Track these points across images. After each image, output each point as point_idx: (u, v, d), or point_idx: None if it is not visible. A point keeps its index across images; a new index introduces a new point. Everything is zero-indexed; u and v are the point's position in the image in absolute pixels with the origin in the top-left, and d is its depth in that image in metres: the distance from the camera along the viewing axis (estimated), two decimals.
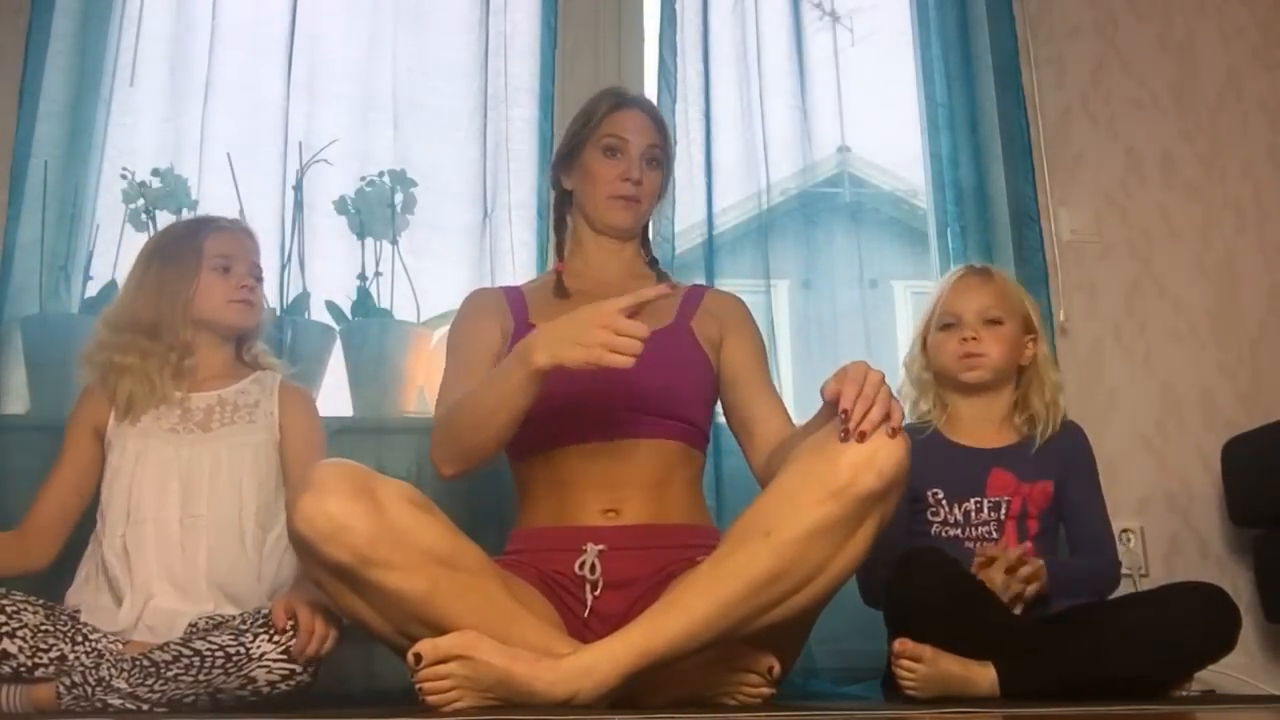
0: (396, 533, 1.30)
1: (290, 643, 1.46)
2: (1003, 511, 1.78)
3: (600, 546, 1.53)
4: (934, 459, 1.80)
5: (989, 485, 1.80)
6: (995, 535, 1.77)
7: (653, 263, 1.86)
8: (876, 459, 1.29)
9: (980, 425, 1.86)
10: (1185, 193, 2.49)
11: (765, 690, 1.40)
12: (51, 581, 1.73)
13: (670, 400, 1.63)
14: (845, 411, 1.30)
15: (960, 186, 2.37)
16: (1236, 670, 1.93)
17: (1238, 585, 2.17)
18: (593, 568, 1.51)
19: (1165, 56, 2.55)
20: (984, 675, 1.56)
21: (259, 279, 1.83)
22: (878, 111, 2.47)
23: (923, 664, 1.53)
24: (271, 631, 1.46)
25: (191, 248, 1.78)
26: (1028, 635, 1.61)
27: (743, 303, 1.83)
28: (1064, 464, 1.82)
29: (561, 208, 1.85)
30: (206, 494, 1.69)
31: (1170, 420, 2.36)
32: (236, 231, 1.84)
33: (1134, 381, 2.37)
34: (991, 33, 2.39)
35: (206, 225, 1.84)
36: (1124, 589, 2.04)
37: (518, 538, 1.64)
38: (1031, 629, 1.63)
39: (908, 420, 1.78)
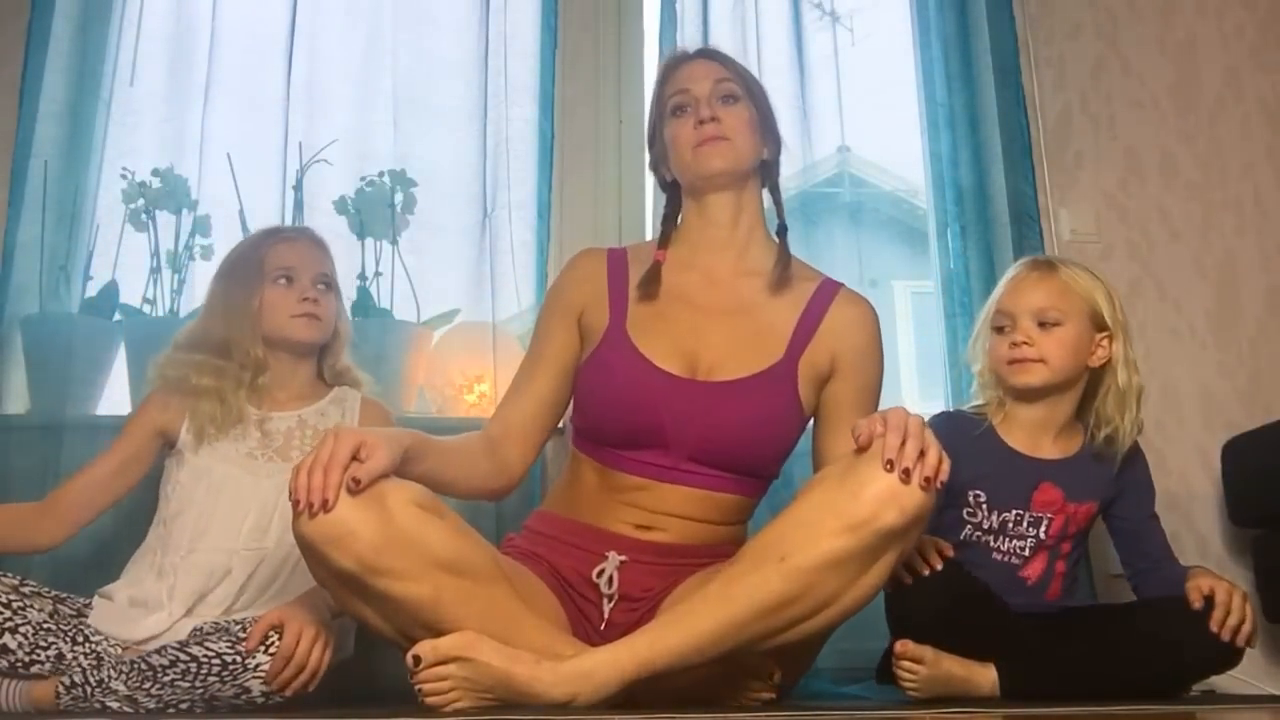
0: (403, 539, 1.27)
1: (265, 660, 1.43)
2: (1042, 530, 1.69)
3: (622, 558, 1.50)
4: (982, 459, 1.69)
5: (1035, 499, 1.70)
6: (1029, 553, 1.69)
7: (782, 230, 1.68)
8: (900, 496, 1.25)
9: (1037, 432, 1.73)
10: (1185, 193, 2.49)
11: (766, 695, 1.41)
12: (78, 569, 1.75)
13: (744, 461, 1.54)
14: (890, 462, 1.25)
15: (960, 186, 2.36)
16: (1236, 670, 1.93)
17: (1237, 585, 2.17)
18: (610, 581, 1.48)
19: (1165, 57, 2.55)
20: (985, 676, 1.56)
21: (328, 286, 1.78)
22: (878, 111, 2.46)
23: (924, 665, 1.53)
24: (269, 643, 1.44)
25: (253, 261, 1.75)
26: (1030, 637, 1.60)
27: (869, 325, 1.64)
28: (1119, 486, 1.74)
29: (674, 203, 1.72)
30: (274, 526, 1.65)
31: (1170, 420, 2.35)
32: (300, 240, 1.80)
33: None
34: (991, 33, 2.38)
35: (269, 237, 1.80)
36: (1124, 591, 2.04)
37: (546, 519, 1.60)
38: (1034, 631, 1.62)
39: (967, 406, 1.78)
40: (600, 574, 1.49)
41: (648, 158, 1.77)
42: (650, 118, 1.72)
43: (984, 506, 1.70)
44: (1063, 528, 1.70)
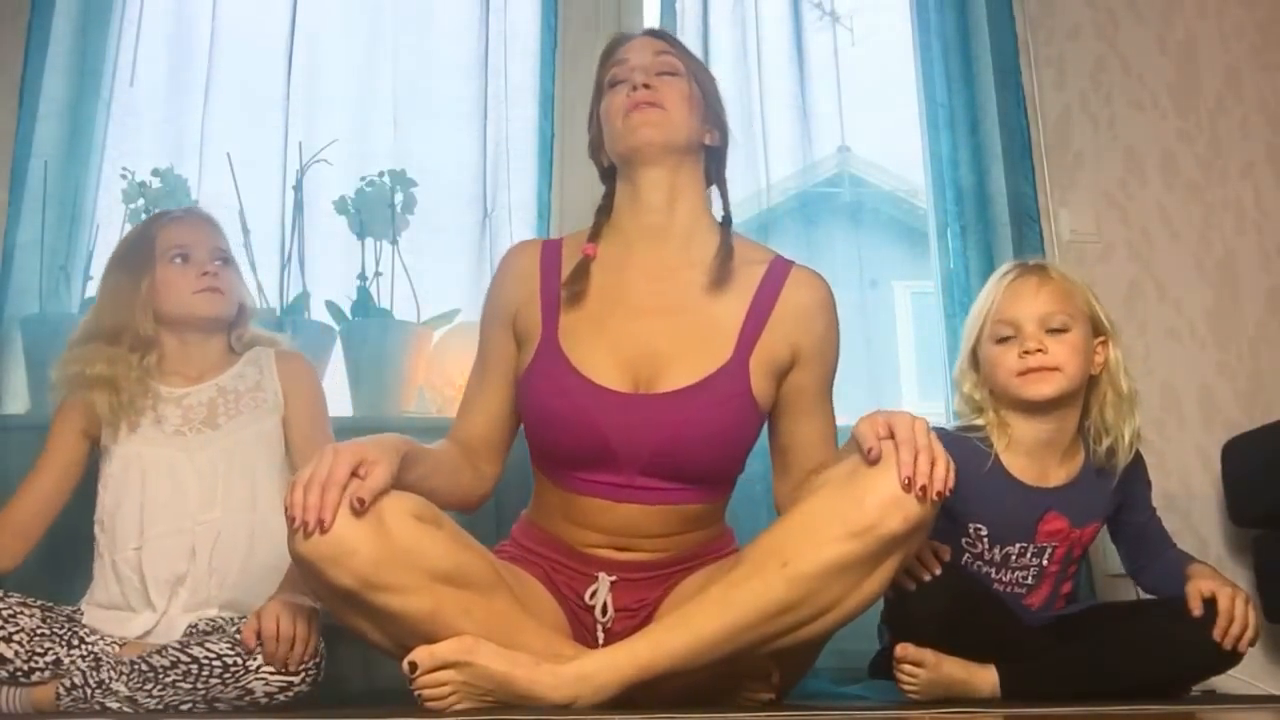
0: (401, 554, 1.24)
1: (262, 656, 1.44)
2: (1046, 558, 1.65)
3: (612, 578, 1.47)
4: (986, 493, 1.61)
5: (1040, 531, 1.64)
6: (1032, 582, 1.66)
7: (726, 223, 1.58)
8: (904, 502, 1.24)
9: (1043, 454, 1.65)
10: (1185, 193, 2.49)
11: (764, 695, 1.40)
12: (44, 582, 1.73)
13: (704, 471, 1.47)
14: (909, 479, 1.23)
15: (960, 186, 2.36)
16: (1236, 670, 1.93)
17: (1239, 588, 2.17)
18: (604, 609, 1.46)
19: (1165, 57, 2.55)
20: (985, 679, 1.55)
21: (226, 261, 1.75)
22: (878, 111, 2.47)
23: (924, 669, 1.52)
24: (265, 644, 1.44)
25: (143, 245, 1.72)
26: (1031, 639, 1.60)
27: (828, 309, 1.55)
28: (1121, 496, 1.70)
29: (610, 193, 1.62)
30: (221, 495, 1.64)
31: (1170, 420, 2.35)
32: (189, 218, 1.77)
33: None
34: (991, 33, 2.38)
35: (157, 219, 1.78)
36: (1124, 590, 2.04)
37: (531, 532, 1.55)
38: (1035, 633, 1.62)
39: (960, 424, 1.73)
40: (593, 595, 1.47)
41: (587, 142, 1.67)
42: (591, 106, 1.64)
43: (985, 540, 1.64)
44: (1067, 553, 1.67)
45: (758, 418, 1.51)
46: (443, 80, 2.30)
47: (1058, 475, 1.66)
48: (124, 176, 2.12)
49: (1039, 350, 1.61)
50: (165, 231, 1.73)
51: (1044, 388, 1.61)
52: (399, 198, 2.18)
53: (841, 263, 2.32)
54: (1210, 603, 1.54)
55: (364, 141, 2.24)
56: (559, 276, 1.54)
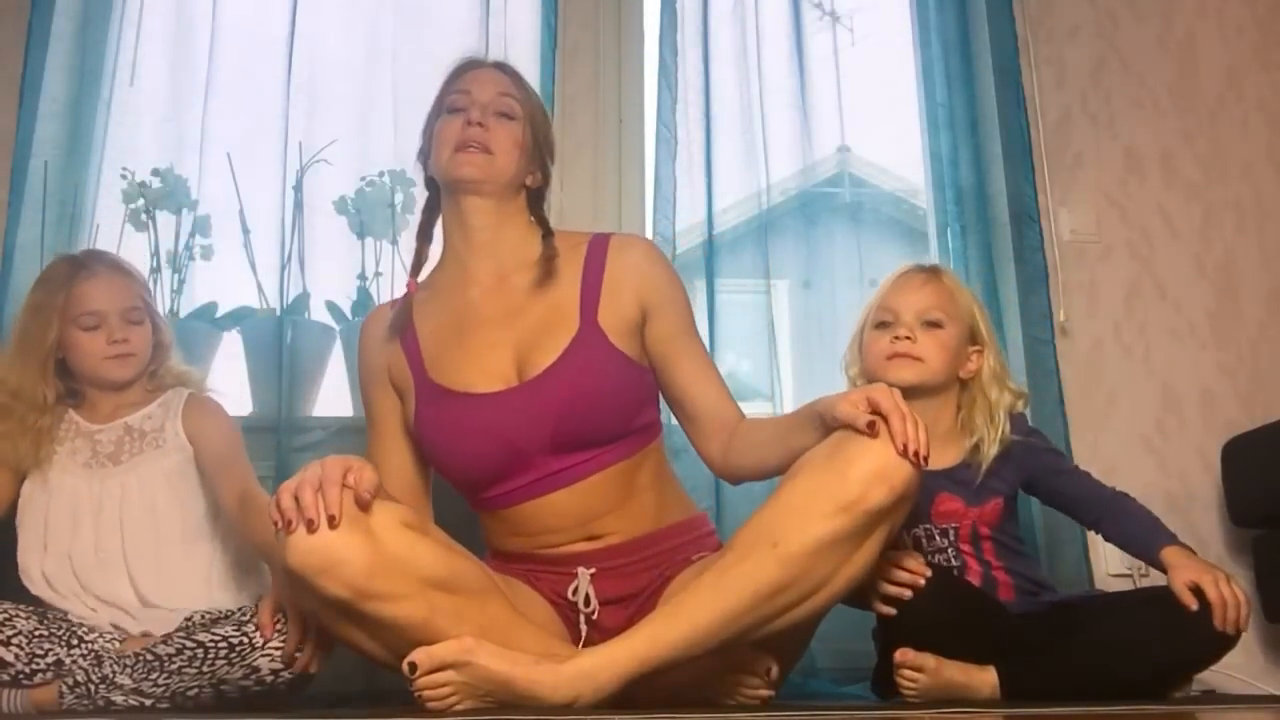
0: (392, 562, 1.26)
1: (281, 644, 1.45)
2: (953, 537, 1.67)
3: (591, 570, 1.50)
4: None
5: (935, 512, 1.67)
6: (955, 562, 1.67)
7: (547, 236, 1.63)
8: (888, 473, 1.27)
9: None
10: (1185, 193, 2.49)
11: (764, 691, 1.41)
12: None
13: (604, 430, 1.52)
14: (905, 445, 1.27)
15: (960, 186, 2.36)
16: (1236, 670, 1.93)
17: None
18: (587, 599, 1.48)
19: (1165, 56, 2.55)
20: (985, 681, 1.55)
21: (137, 322, 1.77)
22: (878, 111, 2.46)
23: (925, 674, 1.51)
24: (279, 627, 1.45)
25: (55, 302, 1.73)
26: (1029, 637, 1.60)
27: (658, 258, 1.64)
28: (1023, 476, 1.72)
29: (433, 210, 1.70)
30: (119, 526, 1.69)
31: (1170, 420, 2.36)
32: (101, 275, 1.77)
33: (1134, 381, 2.37)
34: (991, 33, 2.38)
35: (71, 275, 1.75)
36: (1123, 589, 2.04)
37: (500, 554, 1.59)
38: (1032, 627, 1.62)
39: None
40: (574, 592, 1.49)
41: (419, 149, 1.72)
42: (429, 112, 1.69)
43: None
44: (972, 531, 1.68)
45: (632, 368, 1.57)
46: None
47: (942, 458, 1.68)
48: (124, 176, 2.13)
49: (908, 338, 1.69)
50: (76, 293, 1.73)
51: (904, 373, 1.67)
52: (399, 198, 2.19)
53: (841, 263, 2.33)
54: (1198, 591, 1.54)
55: (364, 141, 2.24)
56: (413, 324, 1.63)
